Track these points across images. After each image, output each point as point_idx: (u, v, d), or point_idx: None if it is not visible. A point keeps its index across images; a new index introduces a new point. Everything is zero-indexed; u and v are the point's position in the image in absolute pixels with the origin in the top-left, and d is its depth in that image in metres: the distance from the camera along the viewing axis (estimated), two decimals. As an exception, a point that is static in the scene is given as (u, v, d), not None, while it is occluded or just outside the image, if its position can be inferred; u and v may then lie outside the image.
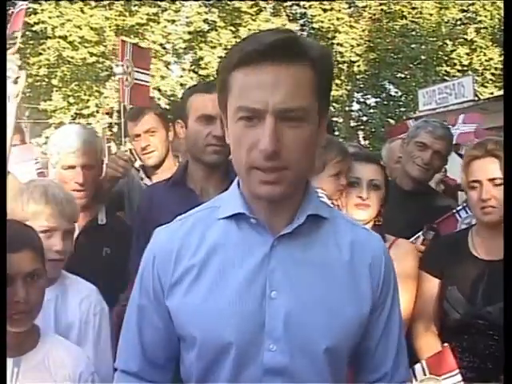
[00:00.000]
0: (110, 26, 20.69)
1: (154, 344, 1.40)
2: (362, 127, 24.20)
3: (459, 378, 1.94)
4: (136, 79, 3.07)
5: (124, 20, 21.00)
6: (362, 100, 24.55)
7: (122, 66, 3.00)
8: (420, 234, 2.74)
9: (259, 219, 1.29)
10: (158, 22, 21.71)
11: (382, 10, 22.72)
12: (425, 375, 1.94)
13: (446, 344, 2.00)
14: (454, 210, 2.92)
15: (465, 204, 2.89)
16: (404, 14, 22.83)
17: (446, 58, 22.95)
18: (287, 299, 1.27)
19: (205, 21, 22.13)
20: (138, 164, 3.41)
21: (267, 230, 1.29)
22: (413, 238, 2.69)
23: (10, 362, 1.66)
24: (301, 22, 24.08)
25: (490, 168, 2.25)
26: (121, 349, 1.46)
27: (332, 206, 1.69)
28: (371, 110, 24.06)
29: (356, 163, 2.36)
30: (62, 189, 2.07)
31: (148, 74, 3.18)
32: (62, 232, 1.99)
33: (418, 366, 1.95)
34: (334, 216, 1.39)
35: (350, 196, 2.31)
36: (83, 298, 2.03)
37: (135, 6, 21.29)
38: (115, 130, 21.63)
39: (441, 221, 2.89)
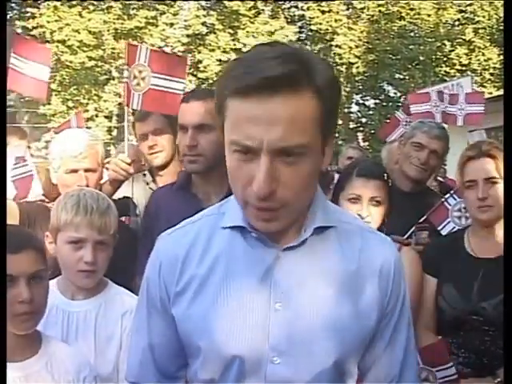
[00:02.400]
0: (108, 30, 20.71)
1: (165, 353, 1.39)
2: (362, 129, 24.19)
3: (453, 370, 1.96)
4: (154, 85, 3.00)
5: (122, 23, 21.02)
6: (361, 101, 24.54)
7: (128, 70, 2.96)
8: (412, 236, 2.76)
9: (260, 234, 1.25)
10: (157, 26, 21.72)
11: (380, 11, 22.72)
12: (418, 365, 1.95)
13: (439, 337, 2.01)
14: (443, 199, 2.99)
15: (452, 192, 2.98)
16: (402, 15, 22.82)
17: (445, 59, 22.96)
18: (292, 311, 1.24)
19: (203, 24, 22.15)
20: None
21: (270, 242, 1.26)
22: (404, 238, 2.71)
23: (12, 367, 1.65)
24: (299, 24, 24.08)
25: (486, 168, 2.29)
26: (131, 360, 1.44)
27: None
28: (370, 112, 24.04)
29: (356, 179, 2.28)
30: (96, 200, 2.04)
31: (175, 81, 3.01)
32: (93, 243, 1.98)
33: None
34: (342, 221, 1.34)
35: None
36: (126, 311, 2.01)
37: (133, 9, 21.31)
38: (114, 133, 21.65)
39: (432, 212, 2.96)
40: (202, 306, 1.28)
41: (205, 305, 1.28)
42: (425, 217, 2.93)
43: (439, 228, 2.94)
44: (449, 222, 2.93)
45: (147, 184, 3.12)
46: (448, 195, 3.00)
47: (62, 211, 1.99)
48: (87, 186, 2.50)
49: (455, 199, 2.94)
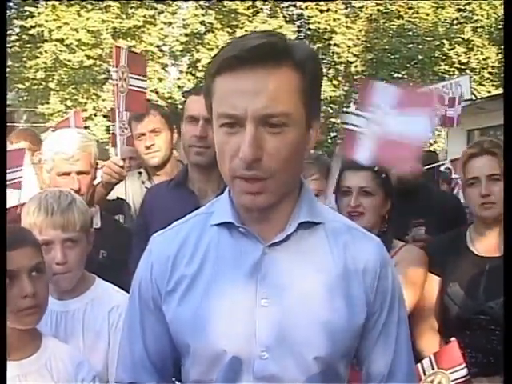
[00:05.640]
0: (106, 29, 20.68)
1: (160, 352, 1.39)
2: (360, 128, 24.21)
3: (465, 372, 1.96)
4: (131, 85, 3.04)
5: (121, 22, 20.99)
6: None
7: (117, 72, 2.98)
8: (410, 234, 2.77)
9: (249, 228, 1.27)
10: (155, 25, 21.70)
11: (378, 10, 22.73)
12: (433, 369, 1.96)
13: (453, 338, 2.01)
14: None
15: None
16: (401, 14, 22.83)
17: (444, 58, 22.98)
18: (278, 307, 1.25)
19: (201, 23, 22.12)
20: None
21: (257, 238, 1.27)
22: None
23: (12, 365, 1.65)
24: (297, 23, 24.06)
25: (488, 165, 2.30)
26: (125, 360, 1.43)
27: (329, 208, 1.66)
28: (369, 111, 24.05)
29: (347, 172, 2.36)
30: (57, 198, 2.00)
31: (144, 80, 3.14)
32: (60, 243, 1.95)
33: (426, 361, 1.98)
34: (330, 220, 1.35)
35: (342, 206, 2.31)
36: (113, 307, 2.01)
37: (132, 8, 21.28)
38: (113, 132, 21.60)
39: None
40: (191, 304, 1.29)
41: (193, 303, 1.29)
42: (422, 220, 2.91)
43: None
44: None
45: (143, 183, 3.12)
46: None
47: (27, 216, 1.97)
48: (79, 188, 2.49)
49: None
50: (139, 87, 3.09)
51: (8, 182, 2.81)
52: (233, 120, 1.16)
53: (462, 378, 1.98)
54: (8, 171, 2.83)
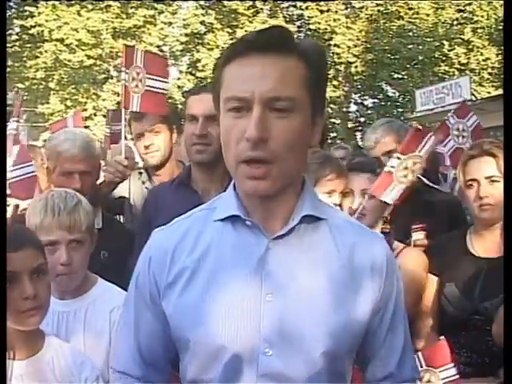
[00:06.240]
0: (106, 29, 20.72)
1: (153, 346, 1.38)
2: (360, 128, 24.20)
3: (454, 371, 1.96)
4: (149, 86, 3.04)
5: (121, 22, 21.04)
6: (359, 101, 24.58)
7: (128, 72, 2.98)
8: (411, 238, 2.77)
9: (254, 221, 1.27)
10: (155, 25, 21.76)
11: (378, 10, 22.75)
12: (421, 367, 1.96)
13: (442, 337, 2.01)
14: (446, 118, 3.25)
15: (453, 111, 3.27)
16: (401, 14, 22.86)
17: (444, 58, 23.00)
18: (283, 302, 1.24)
19: (202, 23, 22.18)
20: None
21: (262, 231, 1.27)
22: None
23: (15, 364, 1.65)
24: (298, 23, 24.09)
25: (487, 166, 2.29)
26: (118, 351, 1.45)
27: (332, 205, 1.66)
28: (369, 111, 24.08)
29: (350, 174, 2.38)
30: (64, 199, 2.00)
31: (164, 82, 3.15)
32: (66, 244, 1.95)
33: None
34: (334, 216, 1.35)
35: (344, 207, 2.33)
36: (114, 307, 1.99)
37: (132, 8, 21.32)
38: (113, 132, 21.60)
39: (437, 130, 3.19)
40: (192, 296, 1.27)
41: (195, 296, 1.27)
42: (423, 224, 2.90)
43: (442, 145, 3.13)
44: (450, 140, 3.17)
45: (143, 183, 3.12)
46: (449, 114, 3.24)
47: (33, 216, 1.97)
48: (82, 188, 2.46)
49: (454, 119, 3.19)
50: (158, 88, 3.09)
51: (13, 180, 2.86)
52: (240, 103, 1.19)
53: (450, 376, 1.98)
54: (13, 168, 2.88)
